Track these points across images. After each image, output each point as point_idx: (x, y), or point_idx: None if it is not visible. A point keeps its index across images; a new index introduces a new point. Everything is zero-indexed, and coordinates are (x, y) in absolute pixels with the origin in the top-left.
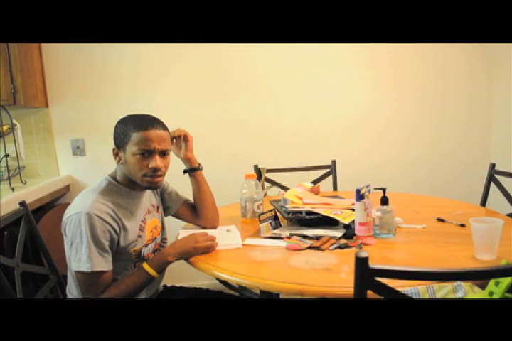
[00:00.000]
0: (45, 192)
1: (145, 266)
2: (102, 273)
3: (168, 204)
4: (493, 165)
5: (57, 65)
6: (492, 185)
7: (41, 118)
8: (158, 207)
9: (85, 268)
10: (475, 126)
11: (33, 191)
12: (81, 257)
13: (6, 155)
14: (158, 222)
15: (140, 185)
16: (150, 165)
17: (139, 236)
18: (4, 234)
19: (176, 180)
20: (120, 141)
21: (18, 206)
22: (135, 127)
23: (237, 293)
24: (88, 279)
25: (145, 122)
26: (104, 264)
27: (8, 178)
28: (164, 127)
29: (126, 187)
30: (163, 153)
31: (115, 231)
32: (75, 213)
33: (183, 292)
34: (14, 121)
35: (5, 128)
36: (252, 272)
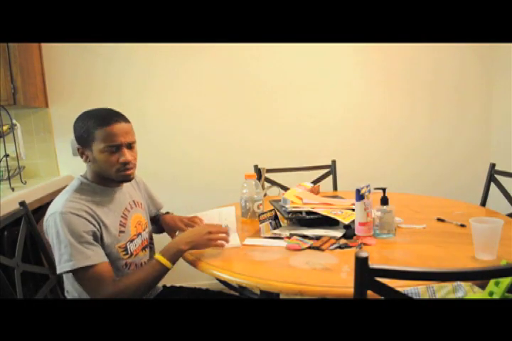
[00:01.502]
0: (45, 192)
1: (158, 256)
2: (92, 267)
3: (150, 207)
4: (493, 165)
5: (57, 64)
6: (492, 185)
7: (41, 118)
8: (141, 204)
9: (68, 267)
10: (474, 124)
11: (33, 191)
12: (61, 258)
13: (6, 155)
14: (142, 217)
15: (113, 180)
16: (120, 160)
17: (121, 231)
18: (4, 234)
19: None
20: (84, 140)
21: (18, 206)
22: (97, 124)
23: (237, 293)
24: (82, 277)
25: (106, 117)
26: (93, 258)
27: (8, 178)
28: (125, 119)
29: (98, 185)
30: (130, 146)
31: (95, 228)
32: (49, 215)
33: (182, 292)
34: (14, 121)
35: (5, 128)
36: (252, 272)
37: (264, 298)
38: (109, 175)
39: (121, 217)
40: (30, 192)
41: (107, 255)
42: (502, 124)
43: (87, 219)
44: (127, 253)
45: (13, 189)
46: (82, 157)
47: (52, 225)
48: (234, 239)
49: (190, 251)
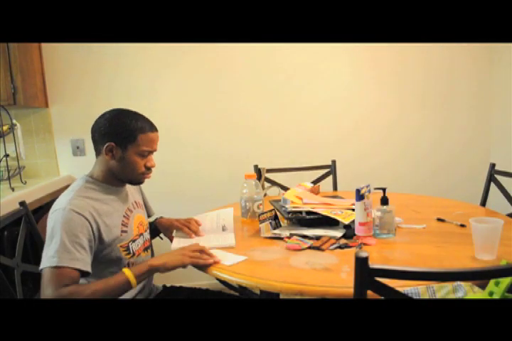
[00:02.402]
0: (45, 192)
1: (126, 270)
2: (69, 269)
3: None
4: (493, 165)
5: (57, 64)
6: (492, 185)
7: (41, 118)
8: (141, 205)
9: (49, 263)
10: (476, 127)
11: (33, 191)
12: (48, 252)
13: (6, 155)
14: (143, 218)
15: (126, 181)
16: (149, 165)
17: (124, 231)
18: (4, 234)
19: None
20: (122, 139)
21: (18, 206)
22: (143, 128)
23: (237, 293)
24: (51, 275)
25: (149, 124)
26: (76, 262)
27: (8, 178)
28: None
29: (104, 184)
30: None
31: (93, 228)
32: (52, 212)
33: (182, 292)
34: (14, 121)
35: (5, 128)
36: (252, 272)
37: (264, 298)
38: (127, 176)
39: (124, 216)
40: (30, 192)
41: (108, 254)
42: (502, 124)
43: (88, 220)
44: (129, 253)
45: (13, 189)
46: (107, 153)
47: (51, 220)
48: (230, 239)
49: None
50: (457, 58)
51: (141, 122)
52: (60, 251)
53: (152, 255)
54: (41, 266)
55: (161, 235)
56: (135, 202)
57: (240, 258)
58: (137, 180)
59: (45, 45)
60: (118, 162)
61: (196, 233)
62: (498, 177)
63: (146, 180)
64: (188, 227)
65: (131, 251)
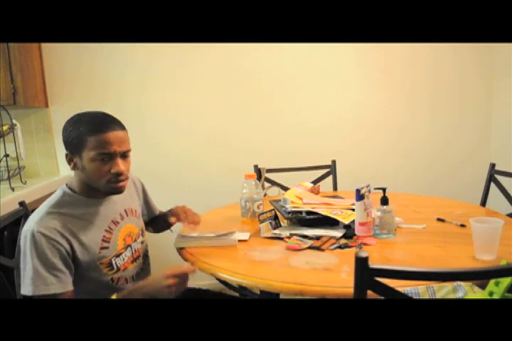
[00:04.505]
0: (45, 192)
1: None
2: (51, 295)
3: (144, 212)
4: (493, 165)
5: (57, 64)
6: (492, 185)
7: (41, 118)
8: (135, 211)
9: (26, 291)
10: (476, 128)
11: (33, 191)
12: (24, 280)
13: (6, 155)
14: (134, 227)
15: (103, 191)
16: (112, 170)
17: (104, 247)
18: (4, 234)
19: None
20: (74, 146)
21: (18, 206)
22: (90, 130)
23: (237, 293)
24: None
25: (100, 123)
26: (53, 286)
27: (8, 178)
28: (122, 126)
29: (83, 196)
30: (124, 155)
31: (66, 249)
32: (24, 231)
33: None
34: (14, 121)
35: (5, 128)
36: (252, 272)
37: (264, 298)
38: (97, 186)
39: (106, 231)
40: (30, 192)
41: (86, 273)
42: (502, 124)
43: (57, 242)
44: (112, 269)
45: (13, 189)
46: (69, 164)
47: (23, 243)
48: (243, 236)
49: (191, 251)
50: (451, 56)
51: (89, 125)
52: (34, 279)
53: (145, 262)
54: (21, 292)
55: (172, 228)
56: (125, 211)
57: (247, 235)
58: (108, 189)
59: (45, 45)
60: (81, 171)
61: (193, 223)
62: (498, 177)
63: (149, 178)
64: (186, 215)
65: (115, 267)
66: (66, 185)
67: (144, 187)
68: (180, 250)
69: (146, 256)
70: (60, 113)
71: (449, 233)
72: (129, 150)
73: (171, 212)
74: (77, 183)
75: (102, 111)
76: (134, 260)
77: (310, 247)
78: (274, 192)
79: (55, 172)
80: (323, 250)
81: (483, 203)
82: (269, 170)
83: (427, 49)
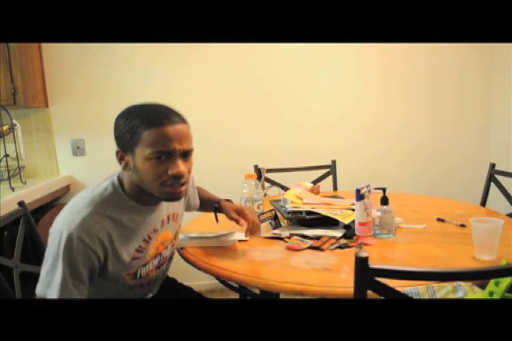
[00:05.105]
0: (45, 192)
1: None
2: None
3: (189, 203)
4: (493, 165)
5: (57, 64)
6: (492, 185)
7: (41, 118)
8: (177, 215)
9: (49, 295)
10: (476, 128)
11: (33, 191)
12: (50, 284)
13: (6, 155)
14: (170, 234)
15: (156, 197)
16: (170, 172)
17: (135, 258)
18: (4, 234)
19: None
20: (126, 142)
21: (18, 206)
22: (146, 123)
23: (237, 293)
24: None
25: (159, 116)
26: (72, 297)
27: (8, 178)
28: (183, 119)
29: (133, 201)
30: (186, 155)
31: (99, 259)
32: (58, 228)
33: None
34: (14, 121)
35: (5, 128)
36: (252, 272)
37: (264, 298)
38: (150, 190)
39: (143, 240)
40: (30, 192)
41: (107, 282)
42: (502, 124)
43: (94, 251)
44: (135, 278)
45: (13, 189)
46: (120, 163)
47: (56, 242)
48: (243, 236)
49: (191, 251)
50: (451, 56)
51: (145, 117)
52: (61, 289)
53: (168, 266)
54: (41, 292)
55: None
56: (169, 216)
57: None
58: (162, 194)
59: (45, 45)
60: (133, 173)
61: (252, 230)
62: (498, 177)
63: None
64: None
65: (138, 276)
66: (118, 178)
67: (193, 181)
68: (180, 250)
69: (170, 258)
70: (60, 113)
71: (449, 233)
72: (191, 150)
73: (233, 208)
74: (128, 184)
75: (159, 103)
76: (159, 267)
77: (310, 247)
78: (274, 192)
79: (55, 173)
80: (323, 250)
81: (483, 203)
82: (269, 170)
83: (427, 49)
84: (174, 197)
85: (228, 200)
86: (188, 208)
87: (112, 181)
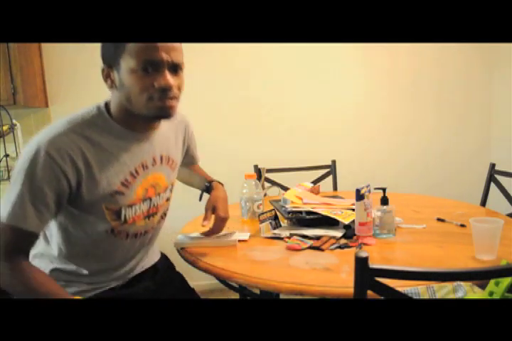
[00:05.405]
0: None
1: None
2: (20, 231)
3: (188, 155)
4: (493, 165)
5: (57, 64)
6: (492, 185)
7: (41, 118)
8: (172, 161)
9: (2, 218)
10: (474, 125)
11: None
12: (4, 202)
13: (6, 155)
14: (164, 179)
15: (145, 117)
16: (157, 85)
17: (119, 192)
18: None
19: None
20: (111, 55)
21: None
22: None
23: (237, 293)
24: (2, 231)
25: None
26: (35, 222)
27: (8, 178)
28: None
29: (120, 125)
30: (175, 69)
31: (69, 183)
32: (29, 145)
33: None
34: (14, 121)
35: (5, 128)
36: (252, 272)
37: (264, 298)
38: (139, 109)
39: (130, 174)
40: None
41: (85, 215)
42: (502, 124)
43: (63, 172)
44: (118, 219)
45: None
46: (106, 81)
47: (20, 160)
48: (243, 236)
49: (191, 251)
50: (452, 56)
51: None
52: (15, 206)
53: (159, 224)
54: None
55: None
56: (162, 157)
57: (247, 235)
58: (151, 111)
59: (45, 45)
60: (118, 89)
61: (212, 230)
62: (498, 177)
63: None
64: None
65: (122, 218)
66: (105, 103)
67: (191, 134)
68: (180, 250)
69: (162, 218)
70: (60, 113)
71: (449, 233)
72: (181, 64)
73: (214, 203)
74: (115, 107)
75: None
76: (148, 217)
77: (310, 247)
78: (274, 192)
79: None
80: (323, 250)
81: (483, 203)
82: (269, 170)
83: (429, 50)
84: (164, 112)
85: (221, 184)
86: (185, 162)
87: (98, 105)
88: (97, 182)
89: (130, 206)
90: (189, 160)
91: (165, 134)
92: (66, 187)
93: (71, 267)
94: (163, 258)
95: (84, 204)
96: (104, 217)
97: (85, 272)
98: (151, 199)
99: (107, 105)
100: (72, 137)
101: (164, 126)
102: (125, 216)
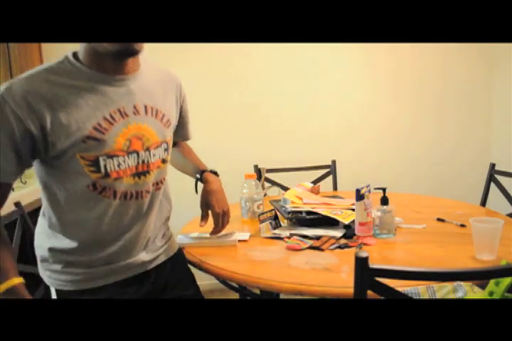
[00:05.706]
0: None
1: (15, 280)
2: None
3: (181, 116)
4: (493, 165)
5: None
6: (492, 185)
7: None
8: (159, 113)
9: None
10: (475, 126)
11: (32, 191)
12: None
13: None
14: (152, 132)
15: (111, 51)
16: None
17: (93, 138)
18: None
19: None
20: None
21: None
22: None
23: (237, 293)
24: None
25: None
26: None
27: None
28: None
29: (89, 69)
30: None
31: (29, 130)
32: None
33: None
34: None
35: None
36: (252, 272)
37: (264, 298)
38: (103, 46)
39: (104, 118)
40: (30, 192)
41: (62, 165)
42: (502, 124)
43: (19, 118)
44: (97, 171)
45: (13, 189)
46: None
47: None
48: (240, 235)
49: (191, 251)
50: (454, 57)
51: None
52: None
53: (155, 190)
54: None
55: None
56: (146, 107)
57: (247, 235)
58: (116, 47)
59: (45, 45)
60: None
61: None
62: (498, 177)
63: None
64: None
65: (102, 169)
66: (74, 52)
67: (185, 98)
68: None
69: (158, 183)
70: None
71: (449, 233)
72: None
73: (208, 199)
74: (82, 52)
75: None
76: (137, 174)
77: (310, 247)
78: (274, 192)
79: None
80: (323, 250)
81: (483, 203)
82: (269, 170)
83: (428, 49)
84: (128, 46)
85: (215, 172)
86: (177, 130)
87: (65, 54)
88: (65, 126)
89: (110, 157)
90: (180, 131)
91: (149, 85)
92: (23, 133)
93: (63, 242)
94: (180, 258)
95: (59, 154)
96: (81, 167)
97: (76, 244)
98: (138, 153)
99: (75, 54)
100: (32, 83)
101: (148, 78)
102: (105, 167)
